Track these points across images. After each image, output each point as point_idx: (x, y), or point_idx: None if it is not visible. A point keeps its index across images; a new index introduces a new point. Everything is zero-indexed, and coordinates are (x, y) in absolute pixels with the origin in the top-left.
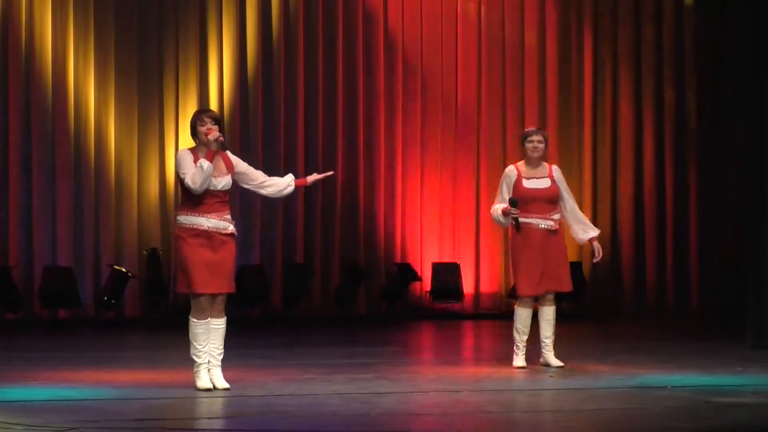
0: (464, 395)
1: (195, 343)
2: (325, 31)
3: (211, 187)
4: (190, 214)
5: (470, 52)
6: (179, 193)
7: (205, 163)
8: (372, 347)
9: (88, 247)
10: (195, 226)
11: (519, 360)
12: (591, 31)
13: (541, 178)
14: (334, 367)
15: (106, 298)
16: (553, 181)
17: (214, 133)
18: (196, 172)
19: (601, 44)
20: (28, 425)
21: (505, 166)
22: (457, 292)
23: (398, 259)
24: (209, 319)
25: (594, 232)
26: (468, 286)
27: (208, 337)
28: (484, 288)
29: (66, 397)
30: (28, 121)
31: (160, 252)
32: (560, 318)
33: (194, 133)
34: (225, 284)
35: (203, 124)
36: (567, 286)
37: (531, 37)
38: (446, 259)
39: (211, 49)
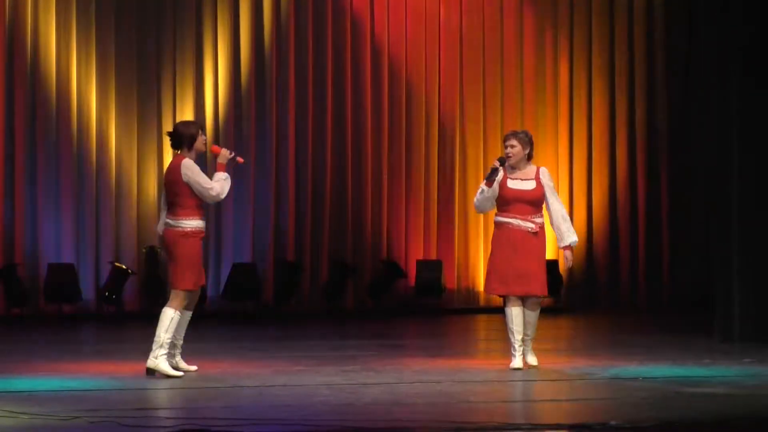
0: (446, 386)
1: (173, 333)
2: (314, 39)
3: None
4: (197, 218)
5: (452, 59)
6: (182, 198)
7: (225, 174)
8: (359, 340)
9: (90, 245)
10: (200, 228)
11: (515, 362)
12: (567, 42)
13: (526, 179)
14: (323, 359)
15: (107, 294)
16: (538, 183)
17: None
18: (224, 185)
19: (577, 54)
20: (33, 414)
21: (484, 168)
22: (440, 288)
23: (384, 257)
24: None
25: (565, 241)
26: (450, 283)
27: None
28: (465, 284)
29: (69, 388)
30: (32, 126)
31: (158, 249)
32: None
33: (192, 142)
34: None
35: (203, 134)
36: (541, 290)
37: (510, 46)
38: (430, 257)
39: (207, 58)
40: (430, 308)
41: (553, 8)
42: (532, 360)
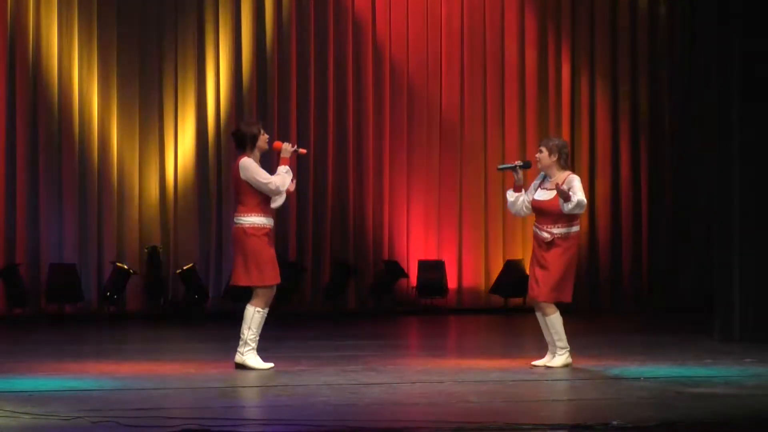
0: (447, 386)
1: (255, 329)
2: (316, 41)
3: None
4: (258, 215)
5: (453, 59)
6: (243, 195)
7: (287, 168)
8: (360, 341)
9: (92, 245)
10: (265, 225)
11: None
12: (569, 40)
13: (550, 189)
14: (324, 359)
15: (108, 294)
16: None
17: (287, 144)
18: (285, 177)
19: (579, 53)
20: (34, 414)
21: (486, 169)
22: (441, 288)
23: (386, 257)
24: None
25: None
26: (451, 283)
27: None
28: (467, 284)
29: (70, 388)
30: (35, 127)
31: (160, 250)
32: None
33: (255, 141)
34: (280, 276)
35: (264, 133)
36: (544, 297)
37: (511, 46)
38: (431, 257)
39: (208, 59)
40: (432, 308)
41: (555, 8)
42: (542, 360)
